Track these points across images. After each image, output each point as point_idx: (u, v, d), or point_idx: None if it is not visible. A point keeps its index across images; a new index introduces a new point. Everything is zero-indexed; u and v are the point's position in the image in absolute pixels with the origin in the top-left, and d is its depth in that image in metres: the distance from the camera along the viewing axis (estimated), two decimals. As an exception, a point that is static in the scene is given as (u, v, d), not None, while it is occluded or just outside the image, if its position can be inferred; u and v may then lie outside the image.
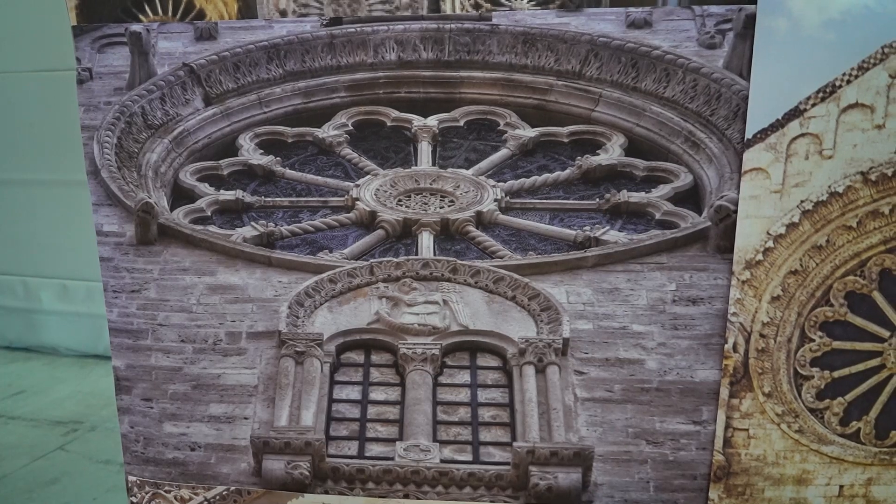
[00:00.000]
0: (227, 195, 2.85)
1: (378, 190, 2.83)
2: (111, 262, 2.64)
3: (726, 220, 2.34)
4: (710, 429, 2.33)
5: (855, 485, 2.33)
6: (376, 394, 2.51)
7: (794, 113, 2.15)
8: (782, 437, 2.32)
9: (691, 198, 2.69)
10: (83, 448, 4.01)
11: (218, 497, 2.49)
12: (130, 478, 2.59)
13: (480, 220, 2.77)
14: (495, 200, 2.78)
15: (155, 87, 2.80)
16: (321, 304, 2.60)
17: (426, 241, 2.72)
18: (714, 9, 2.46)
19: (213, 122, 2.92)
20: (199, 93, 2.89)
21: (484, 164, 2.89)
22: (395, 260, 2.64)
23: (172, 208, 2.81)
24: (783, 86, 2.13)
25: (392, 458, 2.39)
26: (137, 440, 2.56)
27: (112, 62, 2.69)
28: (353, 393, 2.51)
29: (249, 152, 2.93)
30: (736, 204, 2.23)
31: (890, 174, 2.15)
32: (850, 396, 2.32)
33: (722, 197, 2.42)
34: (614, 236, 2.62)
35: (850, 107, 2.12)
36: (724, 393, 2.32)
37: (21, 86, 4.92)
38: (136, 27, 2.61)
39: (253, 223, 2.78)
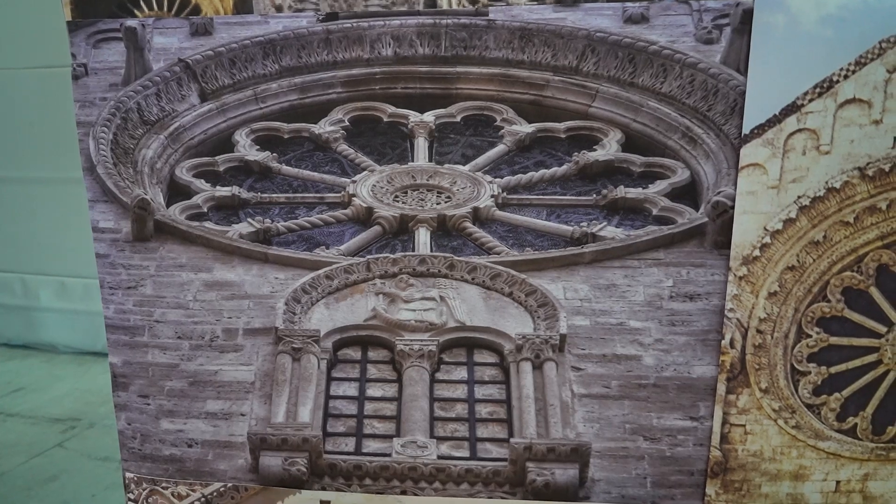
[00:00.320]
0: (223, 191, 2.85)
1: (374, 186, 2.82)
2: (107, 258, 2.63)
3: (723, 215, 2.33)
4: (707, 425, 2.33)
5: (852, 480, 2.33)
6: (373, 390, 2.51)
7: (792, 108, 2.14)
8: (779, 433, 2.32)
9: (688, 193, 2.69)
10: (81, 445, 4.01)
11: (215, 493, 2.49)
12: (128, 474, 2.59)
13: (477, 217, 2.76)
14: (492, 196, 2.78)
15: (151, 82, 2.79)
16: (318, 301, 2.59)
17: (423, 237, 2.71)
18: (711, 4, 2.45)
19: (208, 118, 2.91)
20: (195, 88, 2.88)
21: (481, 159, 2.88)
22: (391, 256, 2.63)
23: (168, 204, 2.80)
24: (780, 81, 2.13)
25: (389, 455, 2.39)
26: (134, 437, 2.56)
27: (107, 58, 2.68)
28: (350, 389, 2.51)
29: (245, 148, 2.92)
30: (733, 200, 2.23)
31: (887, 170, 2.15)
32: (846, 392, 2.32)
33: (719, 193, 2.41)
34: (611, 232, 2.61)
35: (848, 102, 2.11)
36: (721, 389, 2.32)
37: (16, 82, 4.90)
38: (131, 23, 2.60)
39: (249, 219, 2.77)
